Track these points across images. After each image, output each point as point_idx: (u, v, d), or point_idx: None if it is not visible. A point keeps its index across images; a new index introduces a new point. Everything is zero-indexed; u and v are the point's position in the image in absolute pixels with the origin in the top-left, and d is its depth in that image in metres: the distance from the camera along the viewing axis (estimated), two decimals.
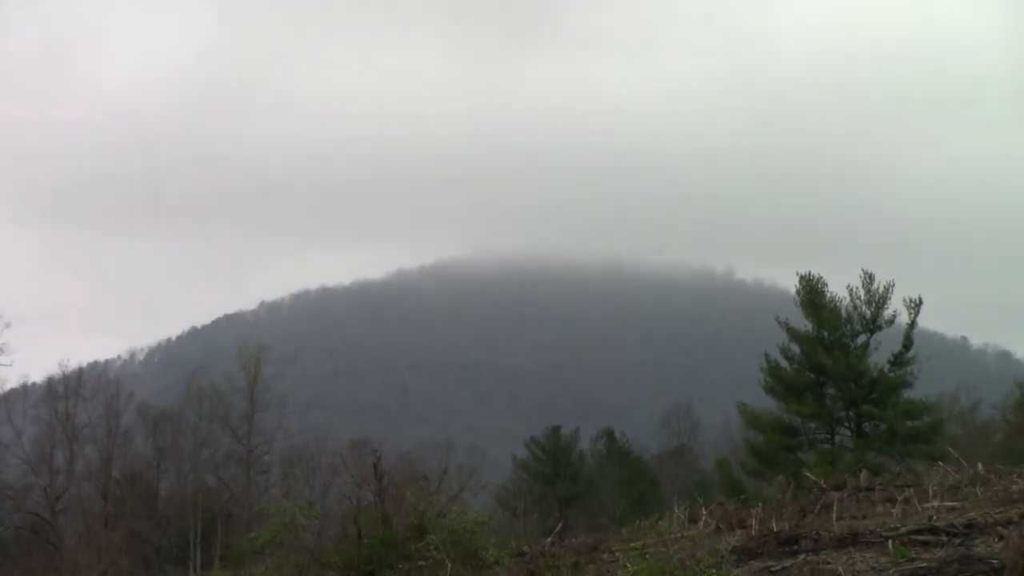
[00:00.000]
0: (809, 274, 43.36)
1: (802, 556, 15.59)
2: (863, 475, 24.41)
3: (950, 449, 34.01)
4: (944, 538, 15.29)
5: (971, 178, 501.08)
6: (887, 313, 41.82)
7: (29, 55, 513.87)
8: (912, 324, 41.77)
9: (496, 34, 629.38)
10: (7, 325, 50.15)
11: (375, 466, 21.66)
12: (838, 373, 40.93)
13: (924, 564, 13.88)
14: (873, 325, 41.86)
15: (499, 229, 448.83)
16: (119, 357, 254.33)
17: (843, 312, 42.41)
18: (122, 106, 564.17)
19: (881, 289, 41.63)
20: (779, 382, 43.17)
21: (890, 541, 15.43)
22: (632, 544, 19.79)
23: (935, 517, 16.89)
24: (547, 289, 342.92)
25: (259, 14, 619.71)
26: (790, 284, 46.04)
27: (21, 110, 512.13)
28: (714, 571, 15.68)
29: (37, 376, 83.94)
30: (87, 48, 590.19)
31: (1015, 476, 21.10)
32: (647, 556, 17.90)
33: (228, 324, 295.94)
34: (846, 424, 42.39)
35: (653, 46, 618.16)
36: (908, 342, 41.90)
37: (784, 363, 43.41)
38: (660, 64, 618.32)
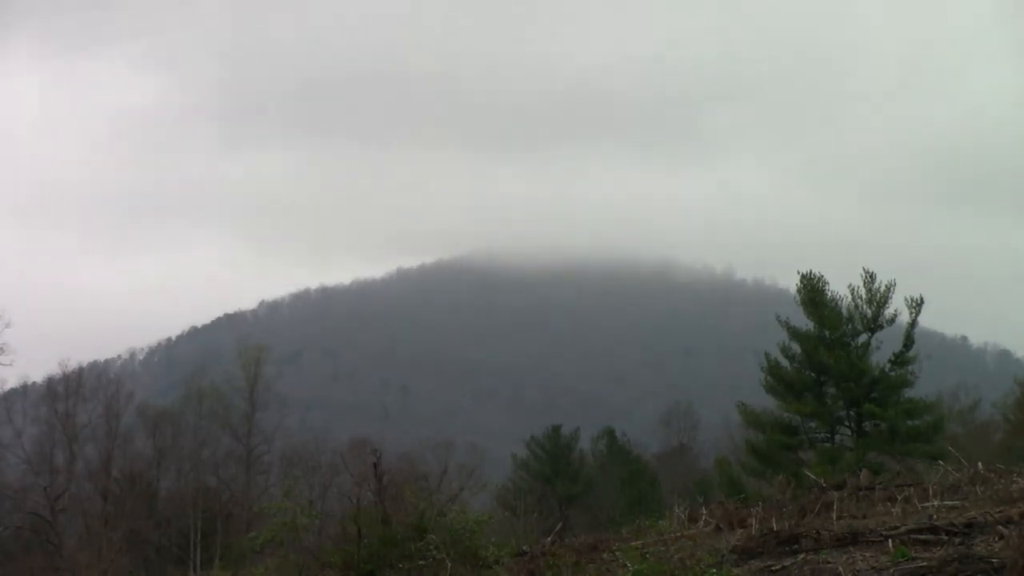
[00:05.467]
0: (810, 273, 43.31)
1: (802, 555, 15.59)
2: (863, 474, 24.43)
3: (950, 448, 34.03)
4: (944, 537, 15.28)
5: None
6: (888, 312, 41.77)
7: None
8: (913, 323, 41.69)
9: None
10: (7, 325, 50.03)
11: (375, 466, 21.69)
12: (839, 372, 40.87)
13: (924, 563, 13.88)
14: (874, 324, 41.78)
15: (499, 229, 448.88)
16: (119, 357, 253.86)
17: (844, 311, 42.36)
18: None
19: (882, 288, 41.58)
20: (779, 381, 43.09)
21: (890, 540, 15.43)
22: (632, 543, 19.79)
23: (935, 516, 16.89)
24: (547, 289, 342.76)
25: None
26: (790, 284, 46.07)
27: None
28: (714, 570, 15.68)
29: (37, 376, 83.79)
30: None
31: (1015, 475, 21.11)
32: (647, 556, 17.90)
33: (228, 324, 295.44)
34: (846, 423, 42.34)
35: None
36: (909, 341, 41.84)
37: (784, 362, 43.32)
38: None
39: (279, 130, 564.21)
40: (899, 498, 19.68)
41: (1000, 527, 15.22)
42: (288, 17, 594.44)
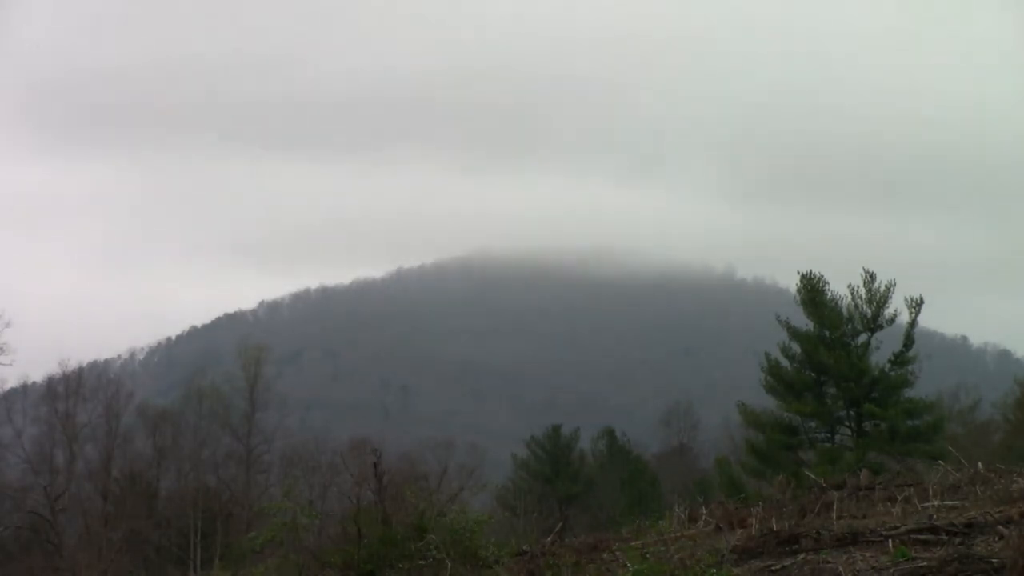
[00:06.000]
0: (810, 273, 43.32)
1: (802, 555, 15.59)
2: (863, 474, 24.43)
3: (950, 448, 34.01)
4: (944, 537, 15.28)
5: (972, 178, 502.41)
6: (888, 312, 41.77)
7: None
8: (913, 323, 41.69)
9: None
10: (7, 325, 50.10)
11: (375, 466, 21.69)
12: (839, 372, 40.88)
13: (924, 563, 13.88)
14: (874, 324, 41.77)
15: (499, 229, 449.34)
16: (119, 357, 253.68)
17: (844, 311, 42.36)
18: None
19: (882, 288, 41.58)
20: (779, 381, 43.09)
21: (890, 540, 15.43)
22: (632, 543, 19.79)
23: (935, 516, 16.89)
24: (547, 289, 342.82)
25: None
26: (790, 283, 46.08)
27: None
28: (714, 570, 15.67)
29: (37, 376, 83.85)
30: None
31: (1015, 475, 21.10)
32: (647, 555, 17.89)
33: (228, 324, 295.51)
34: (846, 423, 42.35)
35: None
36: (909, 341, 41.84)
37: (784, 362, 43.31)
38: None
39: (278, 131, 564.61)
40: (899, 498, 19.68)
41: (1000, 527, 15.22)
42: (291, 26, 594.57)
